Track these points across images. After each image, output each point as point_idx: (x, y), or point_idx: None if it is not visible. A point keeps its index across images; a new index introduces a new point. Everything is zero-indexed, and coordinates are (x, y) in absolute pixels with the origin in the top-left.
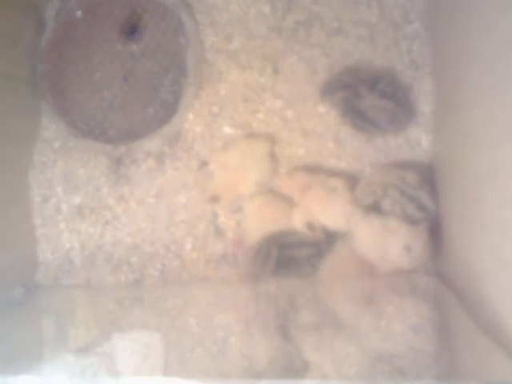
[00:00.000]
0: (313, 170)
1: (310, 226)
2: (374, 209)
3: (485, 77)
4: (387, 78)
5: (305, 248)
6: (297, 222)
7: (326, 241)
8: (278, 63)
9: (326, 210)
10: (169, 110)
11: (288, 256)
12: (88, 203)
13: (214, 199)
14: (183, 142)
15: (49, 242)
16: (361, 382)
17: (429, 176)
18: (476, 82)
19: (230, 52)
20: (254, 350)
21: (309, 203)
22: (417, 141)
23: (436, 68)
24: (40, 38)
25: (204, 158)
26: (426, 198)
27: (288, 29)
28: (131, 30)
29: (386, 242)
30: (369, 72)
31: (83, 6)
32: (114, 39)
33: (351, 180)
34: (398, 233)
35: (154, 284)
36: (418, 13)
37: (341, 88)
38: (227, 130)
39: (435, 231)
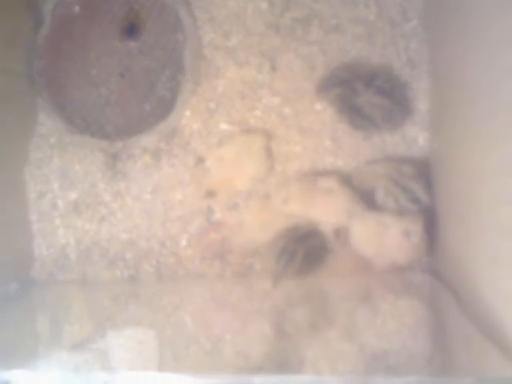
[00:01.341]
0: (307, 173)
1: (337, 233)
2: (369, 202)
3: (481, 75)
4: (384, 75)
5: (316, 238)
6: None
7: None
8: (275, 60)
9: (328, 211)
10: (166, 106)
11: (308, 250)
12: (84, 199)
13: (210, 194)
14: (180, 139)
15: (44, 238)
16: (354, 377)
17: (424, 173)
18: (473, 81)
19: (228, 48)
20: (249, 347)
21: (311, 209)
22: (413, 139)
23: (433, 66)
24: (37, 34)
25: (201, 155)
26: (420, 190)
27: (286, 26)
28: (131, 28)
29: (382, 236)
30: (366, 69)
31: (81, 1)
32: (111, 35)
33: (346, 179)
34: (396, 222)
35: (149, 280)
36: (415, 11)
37: (337, 84)
38: (224, 126)
39: (431, 229)
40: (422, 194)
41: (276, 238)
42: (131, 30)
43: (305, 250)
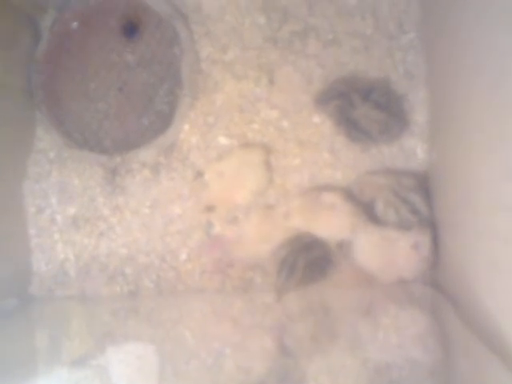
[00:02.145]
0: (308, 190)
1: (340, 245)
2: (371, 216)
3: (477, 86)
4: (381, 88)
5: (318, 248)
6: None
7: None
8: (273, 74)
9: (331, 226)
10: (164, 120)
11: (310, 260)
12: (83, 214)
13: (210, 210)
14: (179, 153)
15: (43, 253)
16: None
17: (424, 184)
18: (468, 92)
19: (226, 62)
20: (250, 361)
21: (314, 224)
22: (412, 150)
23: (430, 78)
24: (36, 49)
25: (199, 169)
26: (420, 201)
27: (283, 39)
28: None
29: (387, 250)
30: (363, 82)
31: (78, 17)
32: (109, 49)
33: (347, 192)
34: (403, 236)
35: (149, 295)
36: (412, 24)
37: (335, 97)
38: (222, 140)
39: (433, 239)
40: (422, 205)
41: (277, 248)
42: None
43: (306, 260)
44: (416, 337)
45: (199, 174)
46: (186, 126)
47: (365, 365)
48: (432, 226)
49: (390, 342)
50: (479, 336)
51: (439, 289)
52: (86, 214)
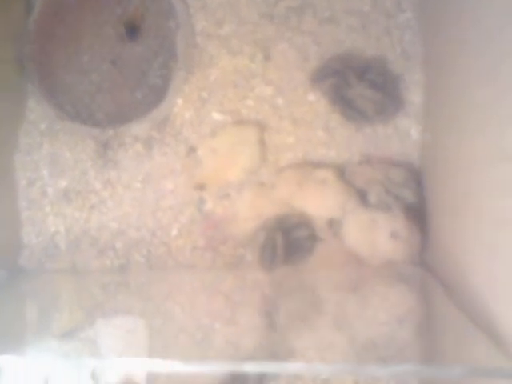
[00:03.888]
0: (301, 163)
1: (329, 223)
2: (363, 200)
3: (473, 68)
4: (377, 67)
5: (304, 228)
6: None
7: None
8: (269, 50)
9: (320, 202)
10: (158, 94)
11: (292, 240)
12: (74, 187)
13: (201, 188)
14: (172, 127)
15: (34, 226)
16: (344, 365)
17: (416, 166)
18: (465, 73)
19: (221, 37)
20: (239, 336)
21: (303, 199)
22: (406, 131)
23: (427, 58)
24: (28, 18)
25: (192, 144)
26: (411, 197)
27: (280, 15)
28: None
29: (373, 236)
30: (359, 60)
31: None
32: (103, 21)
33: (340, 170)
34: (383, 223)
35: (139, 270)
36: (410, 2)
37: (331, 75)
38: (216, 115)
39: (421, 223)
40: (414, 198)
41: (257, 230)
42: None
43: (286, 239)
44: (404, 315)
45: (192, 150)
46: (180, 101)
47: (352, 341)
48: (421, 212)
49: (378, 320)
50: (467, 315)
51: (430, 269)
52: (77, 187)
